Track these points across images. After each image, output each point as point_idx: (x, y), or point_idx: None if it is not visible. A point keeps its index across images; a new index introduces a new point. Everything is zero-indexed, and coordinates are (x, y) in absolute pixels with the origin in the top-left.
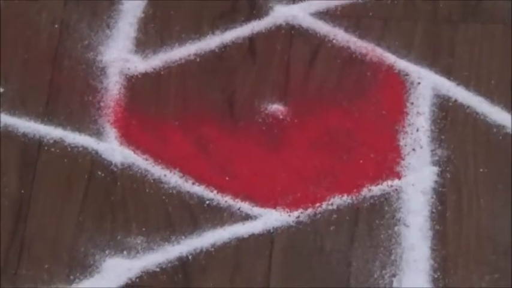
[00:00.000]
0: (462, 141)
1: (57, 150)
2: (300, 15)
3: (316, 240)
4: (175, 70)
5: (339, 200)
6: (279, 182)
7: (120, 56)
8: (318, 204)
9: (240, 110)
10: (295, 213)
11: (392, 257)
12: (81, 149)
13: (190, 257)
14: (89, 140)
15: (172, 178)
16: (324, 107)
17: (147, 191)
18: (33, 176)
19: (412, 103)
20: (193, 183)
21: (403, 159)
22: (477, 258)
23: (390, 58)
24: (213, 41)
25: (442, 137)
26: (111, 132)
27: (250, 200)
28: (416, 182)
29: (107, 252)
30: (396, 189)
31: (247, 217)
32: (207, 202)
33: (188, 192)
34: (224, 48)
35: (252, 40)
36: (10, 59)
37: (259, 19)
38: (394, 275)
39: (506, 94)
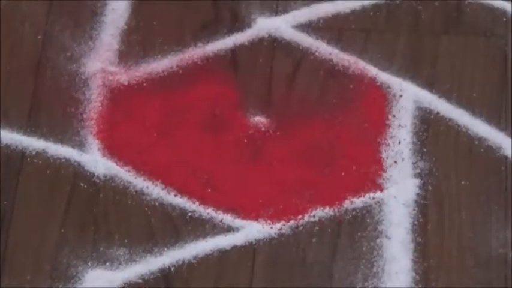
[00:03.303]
0: (444, 154)
1: (40, 162)
2: (283, 27)
3: (298, 252)
4: (157, 82)
5: (320, 212)
6: (261, 194)
7: (102, 67)
8: (300, 217)
9: (222, 122)
10: (277, 225)
11: (374, 269)
12: (63, 160)
13: (172, 269)
14: (71, 151)
15: (155, 190)
16: (306, 119)
17: (129, 202)
18: (15, 187)
19: (394, 116)
20: (175, 195)
21: (385, 172)
22: (458, 271)
23: (372, 71)
24: (195, 53)
25: (424, 149)
26: (94, 144)
27: (233, 212)
28: (398, 194)
29: (89, 263)
30: (378, 202)
31: (229, 229)
32: (189, 214)
33: (170, 204)
34: (206, 60)
35: (234, 52)
36: None
37: (242, 31)
38: (376, 287)
39: (488, 107)
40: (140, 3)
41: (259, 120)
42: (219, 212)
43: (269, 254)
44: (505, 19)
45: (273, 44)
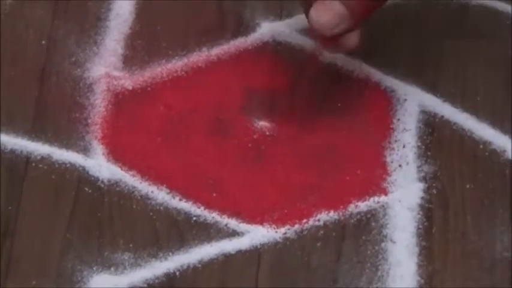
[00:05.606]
0: (449, 158)
1: (45, 167)
2: (287, 31)
3: (303, 256)
4: (162, 86)
5: (325, 216)
6: (266, 198)
7: (107, 72)
8: (304, 221)
9: (227, 126)
10: (282, 230)
11: (379, 273)
12: (68, 165)
13: (177, 273)
14: (76, 156)
15: (160, 194)
16: (310, 123)
17: (134, 207)
18: (20, 192)
19: (398, 119)
20: (180, 200)
21: (390, 176)
22: (463, 274)
23: (376, 75)
24: (199, 58)
25: (429, 153)
26: (99, 149)
27: (237, 216)
28: (402, 198)
29: (94, 268)
30: (383, 206)
31: (234, 233)
32: (194, 218)
33: (175, 208)
34: (211, 64)
35: (238, 57)
36: None
37: (246, 36)
38: None
39: (492, 110)
40: (144, 8)
41: (263, 124)
42: (224, 216)
43: (274, 258)
44: (508, 22)
45: (277, 48)
